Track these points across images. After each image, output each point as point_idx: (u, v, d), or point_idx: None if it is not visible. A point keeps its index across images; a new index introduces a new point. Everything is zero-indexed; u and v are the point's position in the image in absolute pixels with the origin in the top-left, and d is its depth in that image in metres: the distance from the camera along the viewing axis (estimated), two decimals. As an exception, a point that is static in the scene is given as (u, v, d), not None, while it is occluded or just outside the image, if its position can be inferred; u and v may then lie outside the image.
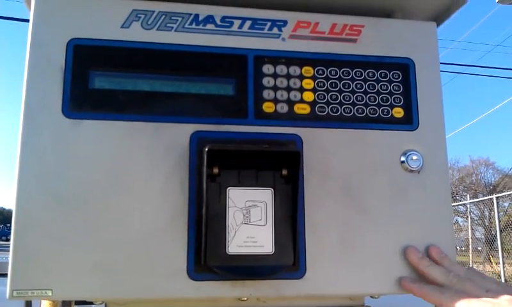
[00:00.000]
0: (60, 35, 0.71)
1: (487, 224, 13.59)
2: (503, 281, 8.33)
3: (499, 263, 8.79)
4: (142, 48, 0.73)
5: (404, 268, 0.73)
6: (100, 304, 0.76)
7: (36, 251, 0.65)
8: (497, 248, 8.84)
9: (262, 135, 0.73)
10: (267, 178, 0.71)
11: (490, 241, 11.45)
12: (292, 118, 0.74)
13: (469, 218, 12.72)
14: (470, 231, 12.93)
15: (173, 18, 0.74)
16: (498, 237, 8.52)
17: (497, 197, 8.50)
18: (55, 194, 0.67)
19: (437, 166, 0.76)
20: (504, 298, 0.61)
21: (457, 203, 11.73)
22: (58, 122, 0.69)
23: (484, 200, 10.96)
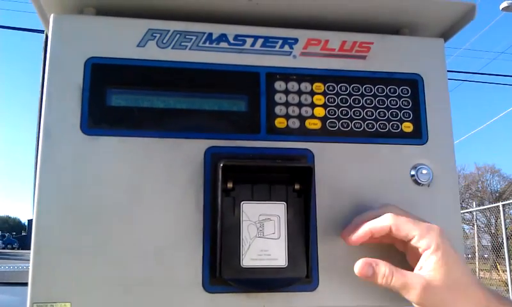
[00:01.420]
0: (78, 54, 0.73)
1: (493, 231, 13.53)
2: (510, 288, 8.29)
3: (506, 271, 8.75)
4: (157, 66, 0.75)
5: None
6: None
7: (55, 265, 0.67)
8: (504, 255, 8.80)
9: (274, 151, 0.75)
10: (280, 192, 0.73)
11: (497, 248, 11.38)
12: (304, 133, 0.76)
13: (475, 225, 12.67)
14: (476, 238, 12.87)
15: (187, 36, 0.77)
16: (505, 244, 8.48)
17: (503, 205, 8.47)
18: (73, 209, 0.69)
19: (446, 180, 0.78)
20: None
21: (464, 211, 11.68)
22: (76, 139, 0.71)
23: (490, 207, 10.92)
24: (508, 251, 8.48)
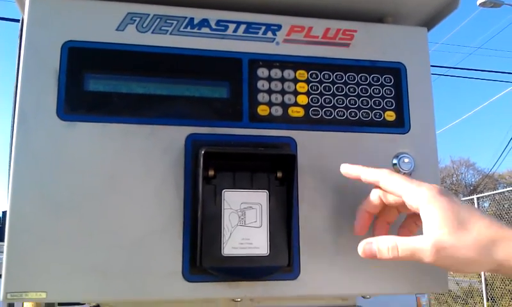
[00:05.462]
0: (55, 38, 0.71)
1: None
2: (483, 280, 8.47)
3: (479, 263, 8.90)
4: (137, 51, 0.73)
5: (396, 270, 0.74)
6: (94, 305, 0.76)
7: (30, 253, 0.65)
8: (477, 248, 8.95)
9: (256, 138, 0.74)
10: (262, 181, 0.72)
11: (471, 241, 11.55)
12: (287, 121, 0.75)
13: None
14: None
15: (168, 21, 0.75)
16: (479, 237, 8.63)
17: (478, 198, 8.63)
18: (49, 196, 0.67)
19: (428, 168, 0.78)
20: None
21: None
22: (53, 124, 0.69)
23: (465, 200, 11.11)
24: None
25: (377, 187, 0.70)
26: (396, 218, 0.72)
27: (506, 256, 0.61)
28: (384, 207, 0.71)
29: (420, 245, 0.63)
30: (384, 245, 0.66)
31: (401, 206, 0.69)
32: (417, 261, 0.64)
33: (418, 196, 0.64)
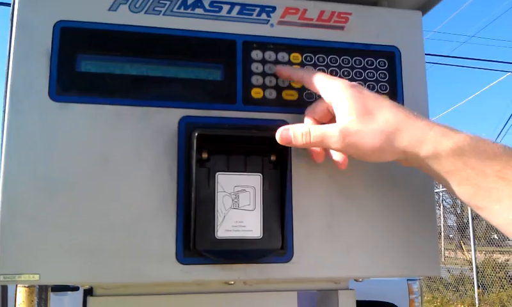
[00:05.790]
0: (46, 18, 0.70)
1: (459, 212, 13.90)
2: (474, 268, 8.55)
3: (470, 250, 9.01)
4: (129, 31, 0.72)
5: (388, 253, 0.74)
6: (87, 288, 0.76)
7: (23, 235, 0.64)
8: (468, 235, 9.05)
9: (250, 121, 0.73)
10: (256, 164, 0.72)
11: (462, 228, 11.69)
12: (280, 104, 0.75)
13: (441, 206, 12.97)
14: (442, 219, 13.18)
15: (161, 1, 0.74)
16: (471, 225, 8.72)
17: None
18: (42, 177, 0.66)
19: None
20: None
21: (431, 192, 11.90)
22: (44, 106, 0.68)
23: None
24: (473, 231, 8.72)
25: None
26: None
27: (410, 143, 0.63)
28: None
29: (329, 131, 0.66)
30: (298, 131, 0.68)
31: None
32: (327, 147, 0.68)
33: (331, 87, 0.68)
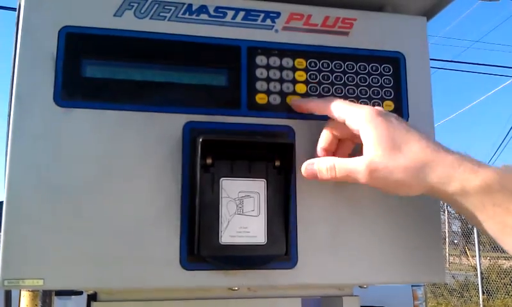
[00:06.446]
0: (52, 22, 0.70)
1: (463, 217, 13.82)
2: (479, 273, 8.51)
3: (475, 256, 8.96)
4: (135, 37, 0.73)
5: (392, 260, 0.74)
6: (91, 293, 0.76)
7: (27, 240, 0.65)
8: (473, 241, 9.01)
9: (255, 127, 0.73)
10: (260, 169, 0.71)
11: (466, 234, 11.64)
12: (285, 110, 0.75)
13: (446, 211, 12.93)
14: (446, 224, 13.14)
15: (166, 7, 0.74)
16: (475, 230, 8.68)
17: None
18: (46, 183, 0.66)
19: (426, 159, 0.78)
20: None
21: (435, 197, 11.88)
22: (49, 110, 0.68)
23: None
24: (478, 236, 8.68)
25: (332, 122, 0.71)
26: (351, 151, 0.73)
27: (438, 179, 0.61)
28: (339, 142, 0.72)
29: (355, 166, 0.65)
30: (323, 165, 0.68)
31: (355, 138, 0.69)
32: (354, 182, 0.66)
33: (358, 117, 0.66)
